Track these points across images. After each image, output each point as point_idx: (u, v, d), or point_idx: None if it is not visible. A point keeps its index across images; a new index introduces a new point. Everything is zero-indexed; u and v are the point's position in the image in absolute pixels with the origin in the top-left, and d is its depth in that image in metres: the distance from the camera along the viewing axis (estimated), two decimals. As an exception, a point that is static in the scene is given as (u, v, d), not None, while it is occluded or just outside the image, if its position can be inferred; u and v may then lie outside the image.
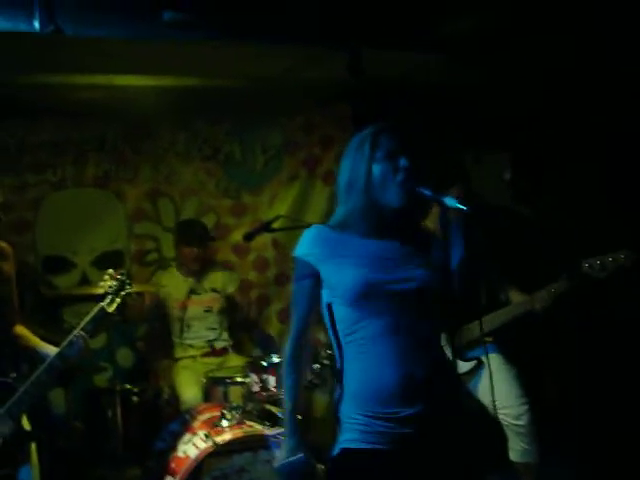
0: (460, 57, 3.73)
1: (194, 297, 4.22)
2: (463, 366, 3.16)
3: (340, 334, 1.96)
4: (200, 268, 4.25)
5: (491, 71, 3.92)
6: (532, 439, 3.18)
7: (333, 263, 1.94)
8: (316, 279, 1.97)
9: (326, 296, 1.98)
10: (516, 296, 3.20)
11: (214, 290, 4.30)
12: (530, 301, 3.12)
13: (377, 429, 1.89)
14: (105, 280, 2.79)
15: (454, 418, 1.92)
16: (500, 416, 3.20)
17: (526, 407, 3.17)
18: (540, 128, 4.19)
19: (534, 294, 3.12)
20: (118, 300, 2.76)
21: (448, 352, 2.01)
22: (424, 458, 1.88)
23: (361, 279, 1.89)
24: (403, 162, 1.92)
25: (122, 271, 2.84)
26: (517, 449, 3.18)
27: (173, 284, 4.25)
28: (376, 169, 1.93)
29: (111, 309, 2.73)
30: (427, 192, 1.89)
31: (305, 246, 1.98)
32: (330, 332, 1.99)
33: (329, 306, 1.97)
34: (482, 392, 3.24)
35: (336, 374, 2.00)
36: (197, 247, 4.20)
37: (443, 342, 2.05)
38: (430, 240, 2.00)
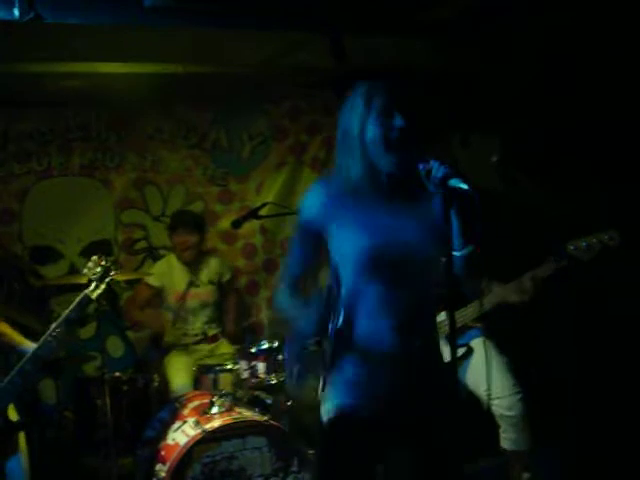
0: (449, 40, 3.71)
1: (193, 290, 4.20)
2: None
3: (341, 296, 1.94)
4: (195, 258, 4.21)
5: (481, 54, 3.90)
6: (524, 428, 3.15)
7: (335, 226, 1.91)
8: (316, 233, 1.94)
9: (332, 258, 1.96)
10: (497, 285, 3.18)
11: (211, 282, 4.29)
12: (516, 286, 3.10)
13: (365, 388, 1.92)
14: (89, 267, 2.78)
15: (436, 393, 1.94)
16: (493, 406, 3.18)
17: (519, 397, 3.13)
18: (531, 111, 4.18)
19: (520, 279, 3.11)
20: (102, 286, 2.75)
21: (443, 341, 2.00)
22: (406, 431, 1.93)
23: (361, 249, 1.87)
24: (399, 122, 1.84)
25: (106, 257, 2.83)
26: (509, 438, 3.16)
27: (173, 274, 4.22)
28: (370, 129, 1.85)
29: (94, 295, 2.72)
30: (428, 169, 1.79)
31: (311, 202, 1.97)
32: (335, 292, 1.96)
33: (335, 268, 1.96)
34: (471, 381, 3.21)
35: (332, 333, 1.97)
36: (191, 233, 4.15)
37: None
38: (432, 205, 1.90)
